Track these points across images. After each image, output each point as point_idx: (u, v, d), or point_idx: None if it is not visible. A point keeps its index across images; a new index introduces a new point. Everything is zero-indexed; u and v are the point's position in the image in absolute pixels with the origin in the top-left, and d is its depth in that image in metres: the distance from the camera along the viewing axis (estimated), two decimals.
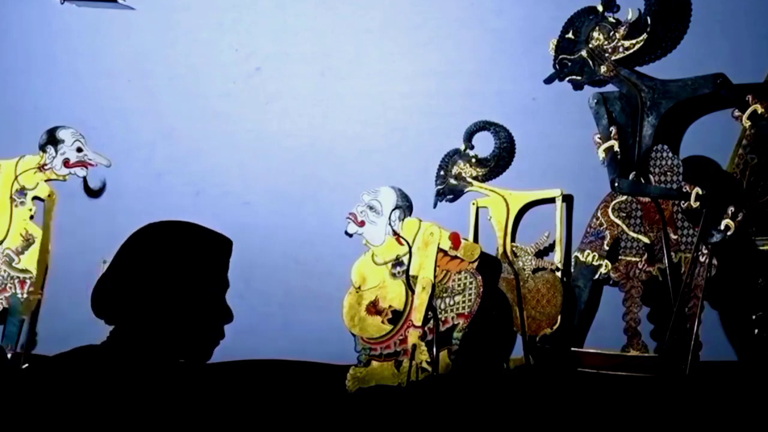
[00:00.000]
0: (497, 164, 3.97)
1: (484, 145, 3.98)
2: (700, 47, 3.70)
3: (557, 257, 3.86)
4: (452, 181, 3.98)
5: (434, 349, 3.74)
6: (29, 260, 4.10)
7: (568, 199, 3.90)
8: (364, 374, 3.94)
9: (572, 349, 3.74)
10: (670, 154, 3.67)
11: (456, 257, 3.80)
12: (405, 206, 3.98)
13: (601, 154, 3.67)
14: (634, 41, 3.59)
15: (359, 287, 3.98)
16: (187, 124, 4.38)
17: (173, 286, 1.64)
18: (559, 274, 3.85)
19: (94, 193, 4.23)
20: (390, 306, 3.93)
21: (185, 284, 1.65)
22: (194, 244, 1.68)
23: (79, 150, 4.15)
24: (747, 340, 3.59)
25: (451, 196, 4.01)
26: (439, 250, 3.82)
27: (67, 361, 1.60)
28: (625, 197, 3.74)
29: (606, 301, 3.89)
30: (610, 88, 3.73)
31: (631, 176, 3.64)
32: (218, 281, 1.71)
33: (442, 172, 4.01)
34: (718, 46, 3.78)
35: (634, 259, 3.74)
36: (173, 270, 1.65)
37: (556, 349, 3.73)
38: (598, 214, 3.80)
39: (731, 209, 3.42)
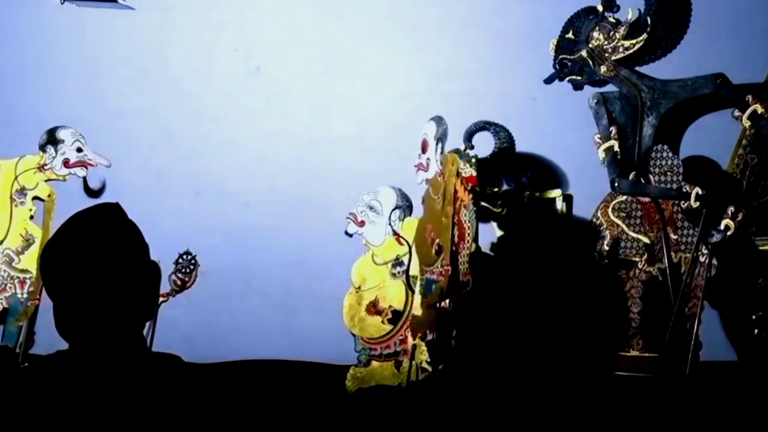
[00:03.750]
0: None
1: (484, 145, 3.98)
2: (700, 47, 3.70)
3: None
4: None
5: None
6: (29, 260, 4.11)
7: (568, 199, 3.90)
8: (364, 374, 3.94)
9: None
10: (670, 154, 3.67)
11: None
12: (405, 206, 3.98)
13: (601, 154, 3.66)
14: (634, 41, 3.58)
15: (359, 287, 3.98)
16: (187, 124, 4.39)
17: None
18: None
19: (94, 193, 4.24)
20: (390, 306, 3.93)
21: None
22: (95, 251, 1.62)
23: (79, 150, 4.14)
24: (747, 340, 3.58)
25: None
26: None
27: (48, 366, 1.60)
28: (625, 197, 3.74)
29: None
30: (610, 88, 3.72)
31: (631, 176, 3.64)
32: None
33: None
34: (718, 46, 3.78)
35: (634, 259, 3.74)
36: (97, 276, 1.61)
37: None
38: (598, 214, 3.80)
39: (731, 209, 3.42)
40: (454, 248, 3.56)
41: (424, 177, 3.76)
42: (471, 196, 3.56)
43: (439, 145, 3.67)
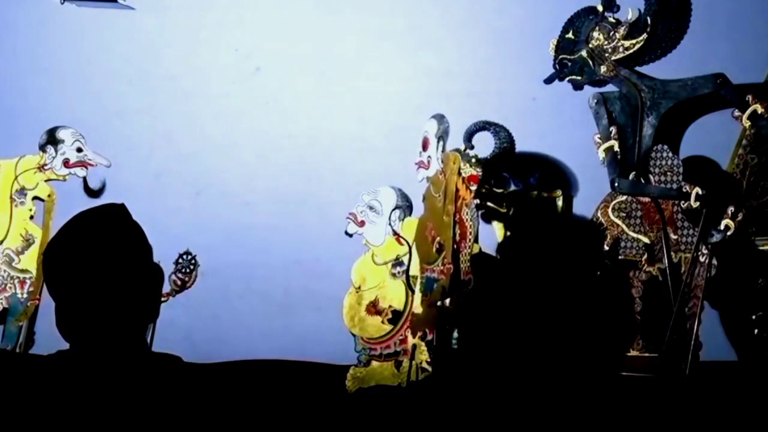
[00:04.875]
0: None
1: (484, 145, 3.98)
2: (700, 47, 3.70)
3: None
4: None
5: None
6: (29, 260, 4.11)
7: (568, 199, 3.90)
8: (364, 374, 3.94)
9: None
10: (670, 154, 3.67)
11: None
12: (405, 206, 3.98)
13: (601, 154, 3.66)
14: (634, 41, 3.58)
15: (359, 287, 3.98)
16: (187, 124, 4.38)
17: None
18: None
19: (94, 193, 4.24)
20: (390, 306, 3.93)
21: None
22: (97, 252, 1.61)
23: (79, 150, 4.15)
24: (747, 340, 3.58)
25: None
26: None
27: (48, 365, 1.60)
28: (625, 197, 3.74)
29: None
30: (610, 88, 3.72)
31: (631, 176, 3.64)
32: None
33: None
34: (718, 46, 3.78)
35: (634, 259, 3.73)
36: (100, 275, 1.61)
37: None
38: (598, 214, 3.80)
39: (731, 209, 3.42)
40: (455, 246, 3.56)
41: (424, 175, 3.76)
42: (472, 194, 3.55)
43: (440, 143, 3.67)
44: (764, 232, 3.55)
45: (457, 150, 3.98)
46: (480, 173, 3.57)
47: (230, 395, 1.65)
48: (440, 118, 3.70)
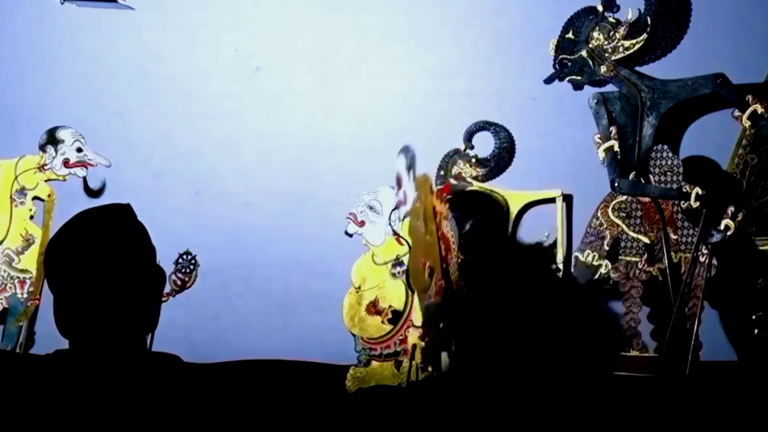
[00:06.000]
0: (497, 164, 3.96)
1: (484, 145, 3.98)
2: (700, 47, 3.70)
3: (558, 258, 3.86)
4: (452, 181, 3.91)
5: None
6: (29, 260, 4.11)
7: (568, 199, 3.90)
8: (364, 374, 3.94)
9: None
10: (670, 154, 3.67)
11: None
12: None
13: (601, 154, 3.67)
14: (634, 41, 3.58)
15: (359, 287, 3.98)
16: (187, 124, 4.38)
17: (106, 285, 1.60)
18: (560, 275, 3.84)
19: (94, 193, 4.24)
20: (390, 306, 3.93)
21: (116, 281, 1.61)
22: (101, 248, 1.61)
23: (79, 150, 4.15)
24: (747, 340, 3.58)
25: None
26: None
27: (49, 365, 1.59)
28: (625, 197, 3.74)
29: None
30: (610, 88, 3.72)
31: (631, 176, 3.64)
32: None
33: (442, 172, 3.95)
34: (718, 46, 3.77)
35: (634, 259, 3.73)
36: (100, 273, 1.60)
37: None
38: (598, 214, 3.79)
39: (731, 209, 3.42)
40: (444, 265, 3.55)
41: (405, 210, 3.76)
42: (448, 206, 3.55)
43: (410, 172, 3.67)
44: (764, 232, 3.55)
45: (457, 150, 3.99)
46: (451, 183, 3.59)
47: (230, 395, 1.64)
48: (405, 151, 3.69)
